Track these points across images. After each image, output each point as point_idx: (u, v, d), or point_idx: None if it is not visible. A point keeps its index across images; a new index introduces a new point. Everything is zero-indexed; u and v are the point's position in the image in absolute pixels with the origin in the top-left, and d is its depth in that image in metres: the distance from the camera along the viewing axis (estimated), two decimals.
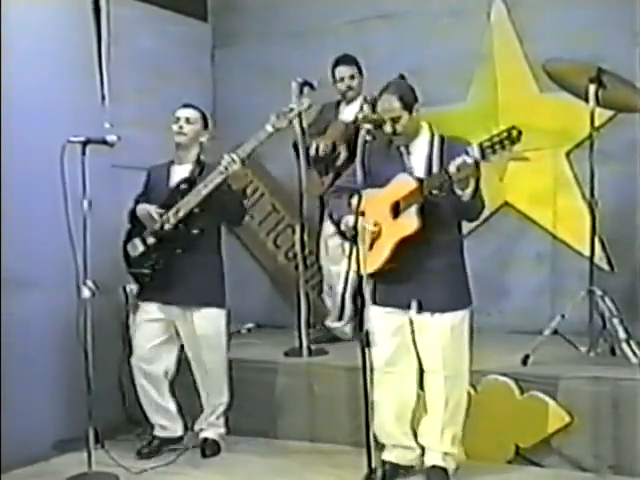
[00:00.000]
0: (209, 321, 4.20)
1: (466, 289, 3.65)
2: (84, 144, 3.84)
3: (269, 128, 4.06)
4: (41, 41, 4.43)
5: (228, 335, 4.38)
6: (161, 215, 4.12)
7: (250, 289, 5.82)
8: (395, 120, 3.54)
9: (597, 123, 4.20)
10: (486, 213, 5.11)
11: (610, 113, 4.60)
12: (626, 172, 4.74)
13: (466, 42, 5.15)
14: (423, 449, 3.71)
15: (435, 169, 3.54)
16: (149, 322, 4.25)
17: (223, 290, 4.27)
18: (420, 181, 3.47)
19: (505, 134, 3.24)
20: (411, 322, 3.59)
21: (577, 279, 4.42)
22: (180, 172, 4.22)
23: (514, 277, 5.15)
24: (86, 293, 3.80)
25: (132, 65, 5.10)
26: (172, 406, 4.34)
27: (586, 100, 4.17)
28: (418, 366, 3.65)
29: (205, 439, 4.31)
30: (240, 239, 5.98)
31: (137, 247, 4.20)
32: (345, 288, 4.83)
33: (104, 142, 3.94)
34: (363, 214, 3.50)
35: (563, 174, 5.00)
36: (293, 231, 5.10)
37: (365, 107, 4.67)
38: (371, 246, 3.52)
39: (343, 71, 4.91)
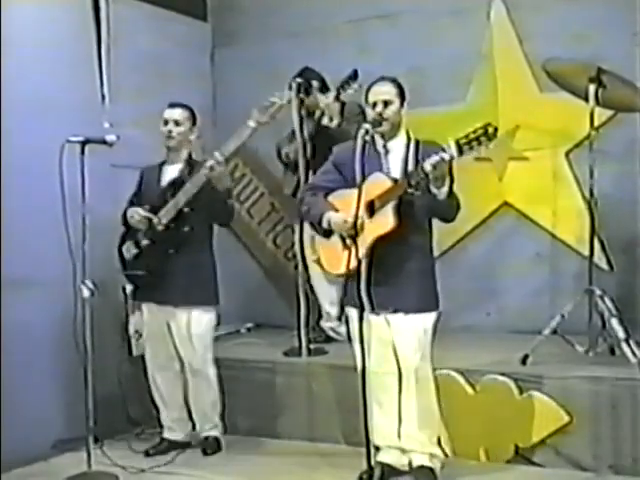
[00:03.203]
0: (201, 320, 4.20)
1: (435, 292, 3.65)
2: (83, 144, 3.83)
3: (251, 124, 4.01)
4: (41, 41, 4.42)
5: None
6: (149, 218, 4.10)
7: (249, 289, 5.82)
8: (387, 104, 3.58)
9: (597, 123, 4.20)
10: (485, 213, 5.16)
11: (610, 113, 4.60)
12: (626, 172, 4.73)
13: (466, 42, 5.15)
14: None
15: (410, 170, 3.56)
16: (150, 324, 4.27)
17: (215, 289, 4.27)
18: (395, 180, 3.50)
19: (481, 130, 3.28)
20: (388, 323, 3.58)
21: (576, 279, 4.43)
22: (171, 172, 4.22)
23: (513, 277, 5.14)
24: (85, 293, 3.80)
25: (132, 65, 5.09)
26: (184, 411, 4.35)
27: (586, 100, 4.17)
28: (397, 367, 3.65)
29: (206, 437, 4.32)
30: (239, 239, 5.99)
31: (130, 249, 4.22)
32: (346, 289, 4.84)
33: (103, 142, 3.94)
34: (337, 211, 3.53)
35: (562, 174, 5.00)
36: (292, 231, 5.10)
37: (329, 98, 4.68)
38: (345, 246, 3.53)
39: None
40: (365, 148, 3.44)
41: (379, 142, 3.64)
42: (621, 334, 4.02)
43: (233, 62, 5.91)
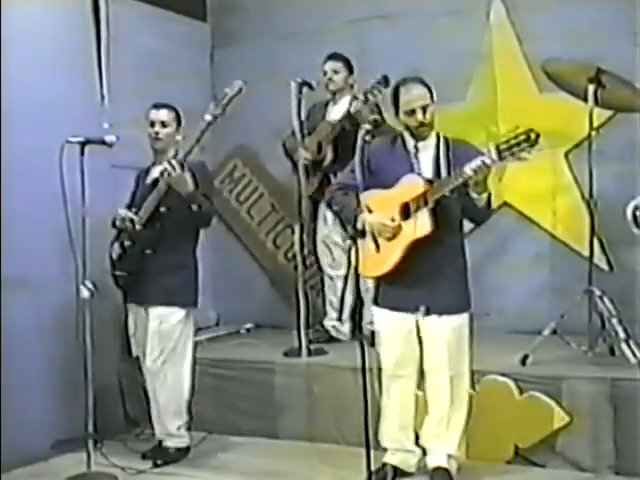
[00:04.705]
0: (171, 320, 4.08)
1: (468, 291, 3.65)
2: (83, 144, 3.83)
3: (207, 117, 4.01)
4: (40, 41, 4.43)
5: (193, 337, 4.27)
6: (131, 218, 4.05)
7: (249, 289, 5.82)
8: (425, 108, 3.51)
9: (596, 123, 4.21)
10: None
11: (609, 113, 4.60)
12: (625, 172, 4.72)
13: (465, 42, 5.14)
14: (424, 451, 3.71)
15: (443, 170, 3.51)
16: (135, 325, 4.24)
17: (195, 291, 4.17)
18: (431, 182, 3.44)
19: (523, 135, 3.20)
20: (416, 324, 3.58)
21: (576, 279, 4.41)
22: (154, 173, 4.17)
23: (513, 277, 5.14)
24: (85, 293, 3.80)
25: (131, 65, 5.10)
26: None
27: (585, 100, 4.17)
28: (419, 368, 3.65)
29: (159, 442, 4.19)
30: (240, 239, 5.99)
31: (116, 250, 4.16)
32: (345, 288, 4.85)
33: (103, 142, 3.94)
34: (370, 212, 3.50)
35: (562, 174, 5.00)
36: (292, 231, 5.10)
37: (358, 102, 4.63)
38: (378, 248, 3.51)
39: (327, 66, 4.96)
40: (364, 149, 3.41)
41: (410, 141, 3.58)
42: (621, 334, 4.02)
43: (232, 62, 5.89)
